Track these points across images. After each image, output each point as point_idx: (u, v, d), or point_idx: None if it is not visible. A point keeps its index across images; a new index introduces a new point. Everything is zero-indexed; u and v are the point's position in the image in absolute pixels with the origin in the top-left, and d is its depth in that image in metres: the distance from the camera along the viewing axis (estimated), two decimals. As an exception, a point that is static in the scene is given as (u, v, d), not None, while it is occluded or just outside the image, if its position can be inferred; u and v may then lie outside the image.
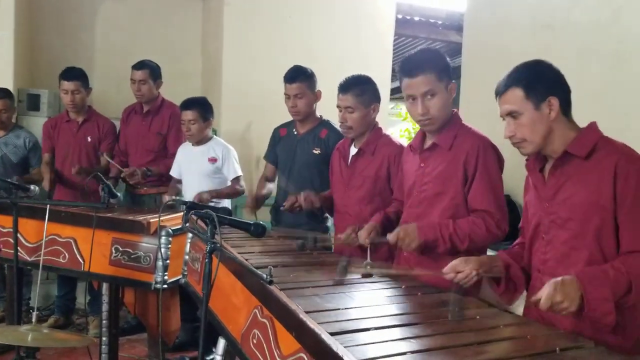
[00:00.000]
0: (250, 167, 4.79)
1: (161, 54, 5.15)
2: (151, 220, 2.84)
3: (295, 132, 3.09)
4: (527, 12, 3.41)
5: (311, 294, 1.62)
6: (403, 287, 1.73)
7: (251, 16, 5.01)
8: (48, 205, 2.87)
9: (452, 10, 5.84)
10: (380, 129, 2.58)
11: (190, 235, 2.84)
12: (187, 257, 2.83)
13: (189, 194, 3.54)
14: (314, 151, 2.96)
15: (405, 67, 2.02)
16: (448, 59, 2.06)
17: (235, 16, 4.98)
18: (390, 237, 1.94)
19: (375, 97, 2.54)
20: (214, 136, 3.62)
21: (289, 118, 4.88)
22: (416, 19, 5.66)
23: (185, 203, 2.34)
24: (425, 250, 1.92)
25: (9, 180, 3.01)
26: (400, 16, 5.39)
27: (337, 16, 5.20)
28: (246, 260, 1.84)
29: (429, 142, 2.04)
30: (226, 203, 3.59)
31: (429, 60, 1.98)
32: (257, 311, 1.77)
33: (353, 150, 2.59)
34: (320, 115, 3.11)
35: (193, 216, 1.88)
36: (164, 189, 3.72)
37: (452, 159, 1.95)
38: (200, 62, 5.81)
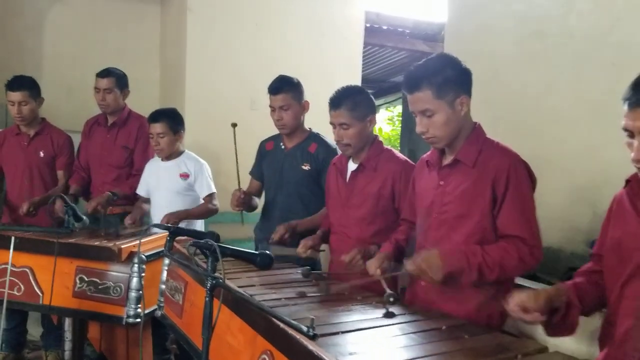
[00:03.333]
0: (218, 183, 4.51)
1: (115, 61, 4.77)
2: (122, 247, 2.54)
3: (283, 147, 2.86)
4: (514, 19, 3.31)
5: (344, 341, 1.37)
6: (444, 327, 1.52)
7: (215, 23, 4.74)
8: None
9: (419, 19, 5.75)
10: (380, 142, 2.39)
11: (166, 261, 2.57)
12: (163, 286, 2.54)
13: (157, 213, 3.24)
14: (303, 167, 2.74)
15: (404, 81, 1.84)
16: (456, 70, 1.81)
17: (198, 23, 4.70)
18: (410, 267, 1.72)
19: (370, 108, 2.34)
20: (185, 150, 3.34)
21: (259, 129, 4.66)
22: (384, 27, 5.53)
23: (168, 228, 2.09)
24: (448, 280, 1.72)
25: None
26: (368, 25, 5.24)
27: (304, 24, 5.00)
28: (251, 295, 1.58)
29: (449, 158, 1.84)
30: (199, 224, 3.31)
31: (425, 75, 1.76)
32: (266, 357, 1.52)
33: (352, 166, 2.37)
34: (310, 128, 2.90)
35: (190, 247, 1.61)
36: (130, 208, 3.39)
37: (477, 177, 1.76)
38: (159, 70, 5.50)
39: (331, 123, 2.33)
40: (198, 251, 1.66)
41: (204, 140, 4.66)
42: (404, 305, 1.78)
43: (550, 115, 3.04)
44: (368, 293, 1.86)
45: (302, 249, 2.33)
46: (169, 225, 2.09)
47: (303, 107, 2.82)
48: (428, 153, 1.99)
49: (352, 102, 2.28)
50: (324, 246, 2.45)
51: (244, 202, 2.79)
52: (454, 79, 1.76)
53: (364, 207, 2.27)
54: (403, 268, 1.78)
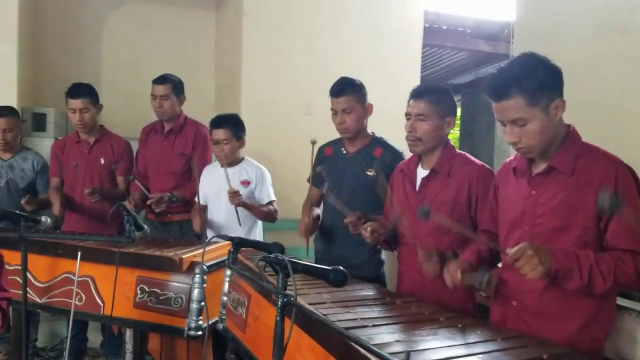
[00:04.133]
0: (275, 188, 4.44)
1: (171, 68, 4.78)
2: (183, 257, 2.46)
3: (344, 152, 2.72)
4: (591, 16, 3.08)
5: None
6: (545, 357, 1.33)
7: (270, 27, 4.67)
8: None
9: (480, 18, 5.52)
10: (453, 146, 2.22)
11: (228, 272, 2.47)
12: (225, 298, 2.44)
13: (217, 220, 3.18)
14: (368, 172, 2.59)
15: (489, 88, 1.66)
16: (548, 71, 1.62)
17: (254, 27, 4.64)
18: (512, 252, 1.50)
19: (452, 110, 2.18)
20: (246, 157, 3.26)
21: (316, 134, 4.54)
22: (444, 27, 5.34)
23: (232, 239, 1.99)
24: (551, 281, 1.53)
25: (18, 212, 2.63)
26: (427, 25, 5.06)
27: (362, 25, 4.86)
28: (324, 315, 1.45)
29: (541, 165, 1.66)
30: (259, 233, 3.21)
31: (514, 80, 1.58)
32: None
33: (421, 172, 2.22)
34: (372, 132, 2.75)
35: (260, 262, 1.49)
36: (188, 215, 3.34)
37: (576, 186, 1.57)
38: (214, 76, 5.49)
39: (407, 114, 2.18)
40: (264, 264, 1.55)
41: (259, 145, 4.59)
42: (494, 328, 1.60)
43: (634, 118, 2.80)
44: (451, 313, 1.70)
45: (369, 232, 2.19)
46: (233, 236, 1.98)
47: (366, 110, 2.68)
48: (512, 158, 1.82)
49: (436, 97, 2.14)
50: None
51: (313, 230, 2.67)
52: (546, 81, 1.58)
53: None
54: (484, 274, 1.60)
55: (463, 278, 1.73)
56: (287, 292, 1.45)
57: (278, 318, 1.46)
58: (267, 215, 3.14)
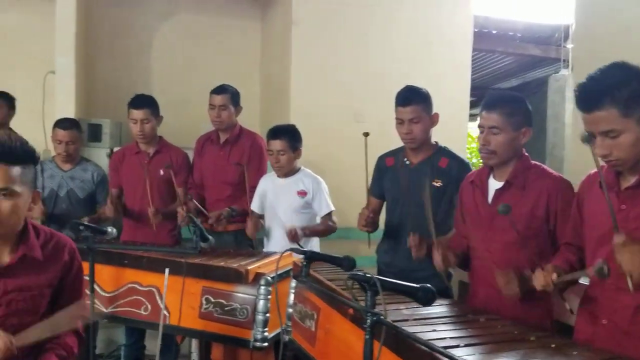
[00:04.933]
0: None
1: (217, 78, 4.87)
2: (249, 268, 2.47)
3: (407, 162, 2.69)
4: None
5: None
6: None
7: (319, 35, 4.68)
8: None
9: (530, 22, 5.42)
10: (527, 156, 2.16)
11: (293, 284, 2.47)
12: (290, 310, 2.45)
13: (274, 231, 3.19)
14: (434, 183, 2.55)
15: (579, 98, 1.61)
16: None
17: (303, 36, 4.65)
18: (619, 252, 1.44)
19: (527, 119, 2.12)
20: (302, 167, 3.25)
21: (368, 142, 4.51)
22: (493, 32, 5.26)
23: (304, 252, 1.99)
24: None
25: (87, 223, 2.67)
26: (476, 30, 4.99)
27: (411, 32, 4.83)
28: (418, 333, 1.43)
29: (630, 179, 1.61)
30: (315, 243, 3.21)
31: (607, 90, 1.51)
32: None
33: (494, 184, 2.16)
34: (436, 142, 2.72)
35: (348, 280, 1.48)
36: (243, 225, 3.35)
37: (669, 200, 1.52)
38: (259, 85, 5.53)
39: (480, 126, 2.13)
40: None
41: (308, 154, 4.61)
42: (590, 349, 1.54)
43: None
44: (539, 332, 1.65)
45: (439, 263, 2.16)
46: (306, 250, 1.98)
47: (432, 119, 2.64)
48: (596, 171, 1.76)
49: (510, 107, 2.08)
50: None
51: (373, 222, 2.64)
52: None
53: (513, 230, 2.05)
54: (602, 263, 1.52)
55: (557, 279, 1.67)
56: (377, 310, 1.44)
57: (367, 337, 1.44)
58: (328, 231, 3.14)
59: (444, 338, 1.49)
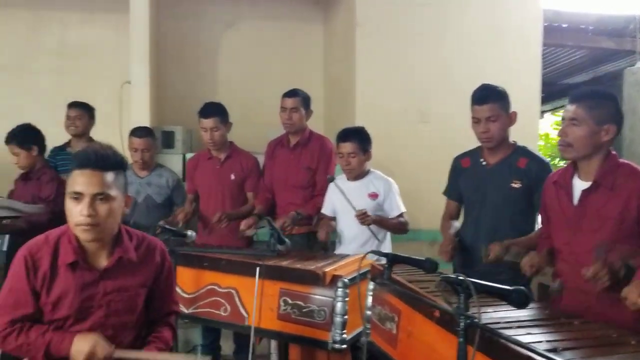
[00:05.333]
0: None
1: (281, 81, 4.95)
2: (326, 270, 2.49)
3: (484, 162, 2.64)
4: None
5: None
6: None
7: (384, 36, 4.67)
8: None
9: (602, 13, 5.21)
10: (615, 155, 2.08)
11: (371, 286, 2.47)
12: (369, 312, 2.44)
13: (346, 234, 3.20)
14: (513, 184, 2.49)
15: None
16: None
17: (368, 37, 4.66)
18: None
19: (613, 118, 2.03)
20: (371, 169, 3.25)
21: (430, 143, 4.48)
22: (564, 25, 5.09)
23: (386, 255, 1.99)
24: None
25: (169, 227, 2.78)
26: (546, 24, 4.84)
27: (479, 28, 4.75)
28: (513, 336, 1.40)
29: None
30: (388, 245, 3.19)
31: None
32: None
33: (580, 184, 2.09)
34: (514, 141, 2.66)
35: (440, 283, 1.47)
36: (315, 227, 3.38)
37: None
38: (322, 88, 5.57)
39: (562, 118, 2.08)
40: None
41: (374, 156, 4.60)
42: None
43: None
44: (638, 337, 1.58)
45: (528, 267, 2.11)
46: (388, 252, 1.98)
47: (510, 118, 2.58)
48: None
49: (594, 101, 2.02)
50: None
51: (454, 252, 2.57)
52: None
53: (602, 232, 1.97)
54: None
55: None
56: (470, 313, 1.42)
57: (461, 340, 1.43)
58: (398, 227, 3.11)
59: (540, 341, 1.45)
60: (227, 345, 3.86)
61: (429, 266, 1.92)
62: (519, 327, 1.59)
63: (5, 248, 2.94)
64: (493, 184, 2.54)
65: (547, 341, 1.47)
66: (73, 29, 5.10)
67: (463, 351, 1.42)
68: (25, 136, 3.50)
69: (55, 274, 1.76)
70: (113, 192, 1.74)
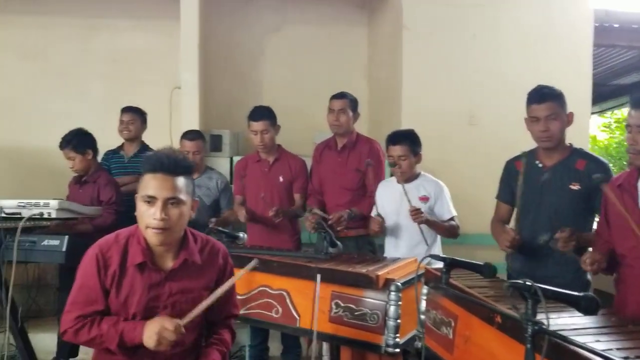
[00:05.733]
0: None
1: (325, 85, 4.98)
2: (379, 273, 2.49)
3: (540, 165, 2.60)
4: None
5: None
6: None
7: (431, 38, 4.65)
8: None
9: (656, 12, 5.07)
10: None
11: (425, 290, 2.46)
12: (422, 316, 2.44)
13: (396, 236, 3.19)
14: (572, 187, 2.45)
15: None
16: None
17: (414, 39, 4.64)
18: None
19: None
20: (422, 172, 3.24)
21: (479, 145, 4.42)
22: (615, 25, 4.96)
23: (444, 259, 1.99)
24: None
25: (222, 229, 2.83)
26: (596, 24, 4.73)
27: (527, 30, 4.68)
28: (584, 344, 1.37)
29: None
30: (438, 249, 3.17)
31: None
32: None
33: (646, 188, 2.05)
34: (570, 143, 2.61)
35: (508, 288, 1.45)
36: (364, 230, 3.39)
37: None
38: (367, 90, 5.57)
39: (627, 125, 2.04)
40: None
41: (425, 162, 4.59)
42: None
43: None
44: None
45: (589, 264, 2.07)
46: (445, 256, 1.97)
47: (568, 118, 2.54)
48: None
49: None
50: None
51: (518, 243, 2.54)
52: None
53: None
54: None
55: None
56: (538, 319, 1.41)
57: (528, 346, 1.41)
58: (449, 231, 3.09)
59: (610, 349, 1.43)
60: (274, 347, 3.91)
61: (487, 271, 1.91)
62: (587, 334, 1.56)
63: (64, 249, 3.03)
64: (551, 186, 2.50)
65: (617, 349, 1.44)
66: (124, 36, 5.26)
67: (531, 358, 1.40)
68: (80, 141, 3.62)
69: (124, 273, 1.81)
70: (183, 197, 1.79)
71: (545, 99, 2.49)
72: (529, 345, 1.41)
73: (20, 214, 3.13)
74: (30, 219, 3.11)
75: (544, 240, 2.29)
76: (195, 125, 4.26)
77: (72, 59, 5.21)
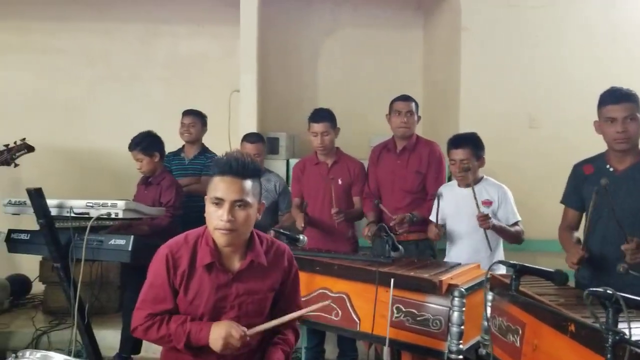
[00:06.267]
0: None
1: (380, 87, 4.97)
2: (442, 279, 2.46)
3: (611, 169, 2.50)
4: None
5: None
6: None
7: (490, 40, 4.56)
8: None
9: None
10: None
11: (489, 297, 2.41)
12: (486, 323, 2.38)
13: (457, 242, 3.15)
14: (646, 191, 2.35)
15: None
16: None
17: (473, 41, 4.57)
18: None
19: None
20: (484, 176, 3.18)
21: (539, 148, 4.29)
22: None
23: (514, 265, 1.94)
24: None
25: (283, 232, 2.85)
26: (666, 22, 4.54)
27: (590, 31, 4.54)
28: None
29: None
30: (501, 254, 3.09)
31: None
32: None
33: None
34: (642, 146, 2.51)
35: (587, 296, 1.40)
36: (424, 234, 3.35)
37: None
38: (422, 93, 5.51)
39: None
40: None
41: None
42: None
43: None
44: None
45: None
46: (515, 263, 1.92)
47: (641, 121, 2.44)
48: None
49: None
50: None
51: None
52: None
53: None
54: None
55: None
56: (619, 329, 1.36)
57: (609, 357, 1.36)
58: (515, 236, 3.02)
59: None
60: (329, 349, 3.91)
61: (559, 278, 1.86)
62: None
63: (130, 248, 3.12)
64: (624, 191, 2.41)
65: None
66: (183, 41, 5.39)
67: (612, 370, 1.35)
68: (149, 143, 3.71)
69: (192, 273, 1.85)
70: (250, 199, 1.82)
71: (623, 100, 2.40)
72: (609, 356, 1.36)
73: (88, 213, 3.24)
74: (98, 218, 3.21)
75: (624, 268, 2.21)
76: (253, 128, 4.32)
77: (134, 64, 5.37)
